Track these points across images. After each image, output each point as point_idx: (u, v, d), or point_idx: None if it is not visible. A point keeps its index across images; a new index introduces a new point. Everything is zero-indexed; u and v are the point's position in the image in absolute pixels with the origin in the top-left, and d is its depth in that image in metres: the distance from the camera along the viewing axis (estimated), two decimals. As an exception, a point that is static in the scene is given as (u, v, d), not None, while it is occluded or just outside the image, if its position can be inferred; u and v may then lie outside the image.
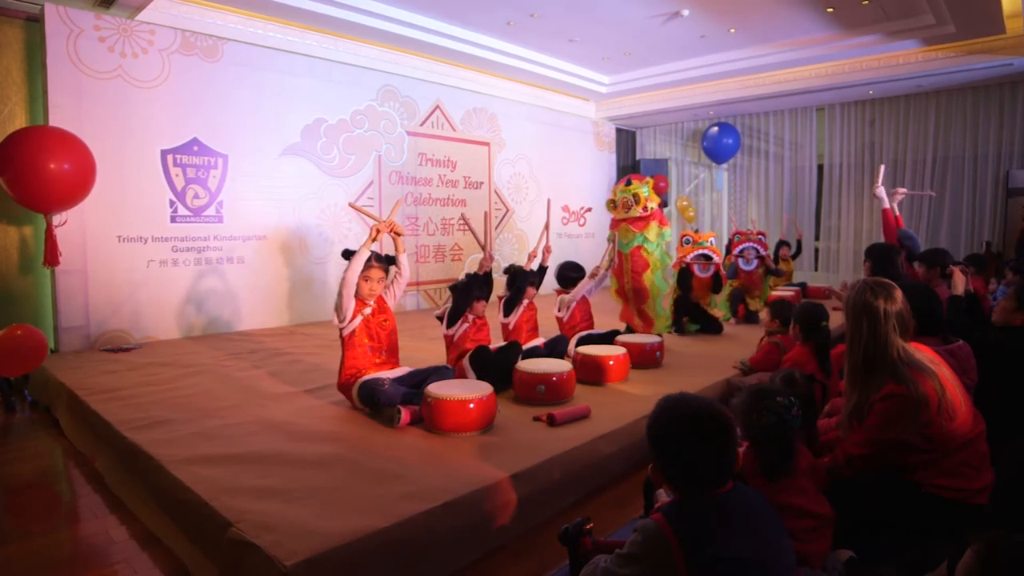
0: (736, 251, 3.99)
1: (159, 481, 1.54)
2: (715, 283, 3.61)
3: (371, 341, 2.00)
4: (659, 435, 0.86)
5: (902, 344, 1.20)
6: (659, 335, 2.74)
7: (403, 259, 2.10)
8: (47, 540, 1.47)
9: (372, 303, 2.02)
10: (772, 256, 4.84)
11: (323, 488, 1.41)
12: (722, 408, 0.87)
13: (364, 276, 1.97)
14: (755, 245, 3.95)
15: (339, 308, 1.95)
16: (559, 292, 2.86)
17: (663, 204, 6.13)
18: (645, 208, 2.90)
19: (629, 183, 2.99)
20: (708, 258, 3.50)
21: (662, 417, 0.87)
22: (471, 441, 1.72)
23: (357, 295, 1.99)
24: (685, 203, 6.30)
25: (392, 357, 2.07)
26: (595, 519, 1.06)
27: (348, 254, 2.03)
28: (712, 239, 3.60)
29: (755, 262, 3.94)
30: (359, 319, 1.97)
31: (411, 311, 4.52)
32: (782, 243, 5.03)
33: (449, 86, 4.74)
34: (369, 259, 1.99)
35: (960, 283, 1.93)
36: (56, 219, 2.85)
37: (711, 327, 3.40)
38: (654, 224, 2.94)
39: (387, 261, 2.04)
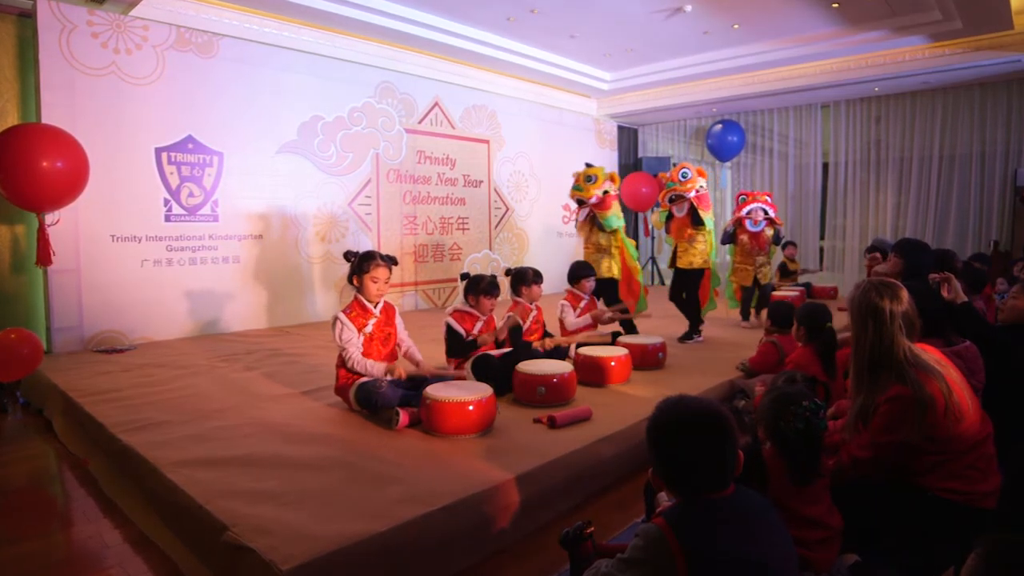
0: (743, 211, 3.59)
1: (153, 484, 1.53)
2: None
3: (371, 354, 1.96)
4: (659, 438, 0.85)
5: (908, 345, 1.18)
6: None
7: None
8: (40, 544, 1.45)
9: (377, 312, 1.97)
10: (779, 257, 4.72)
11: (320, 491, 1.39)
12: (723, 409, 0.86)
13: (371, 277, 1.93)
14: (763, 205, 3.55)
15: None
16: (569, 292, 2.81)
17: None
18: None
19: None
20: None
21: (661, 419, 0.86)
22: (471, 443, 1.70)
23: (365, 296, 1.96)
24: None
25: (391, 358, 2.04)
26: (596, 522, 1.06)
27: (349, 255, 1.99)
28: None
29: (763, 223, 3.54)
30: (361, 339, 1.95)
31: (410, 311, 4.50)
32: (789, 243, 4.99)
33: (448, 83, 4.70)
34: (375, 258, 1.95)
35: (958, 289, 1.75)
36: (49, 218, 2.82)
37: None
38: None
39: (390, 261, 2.01)
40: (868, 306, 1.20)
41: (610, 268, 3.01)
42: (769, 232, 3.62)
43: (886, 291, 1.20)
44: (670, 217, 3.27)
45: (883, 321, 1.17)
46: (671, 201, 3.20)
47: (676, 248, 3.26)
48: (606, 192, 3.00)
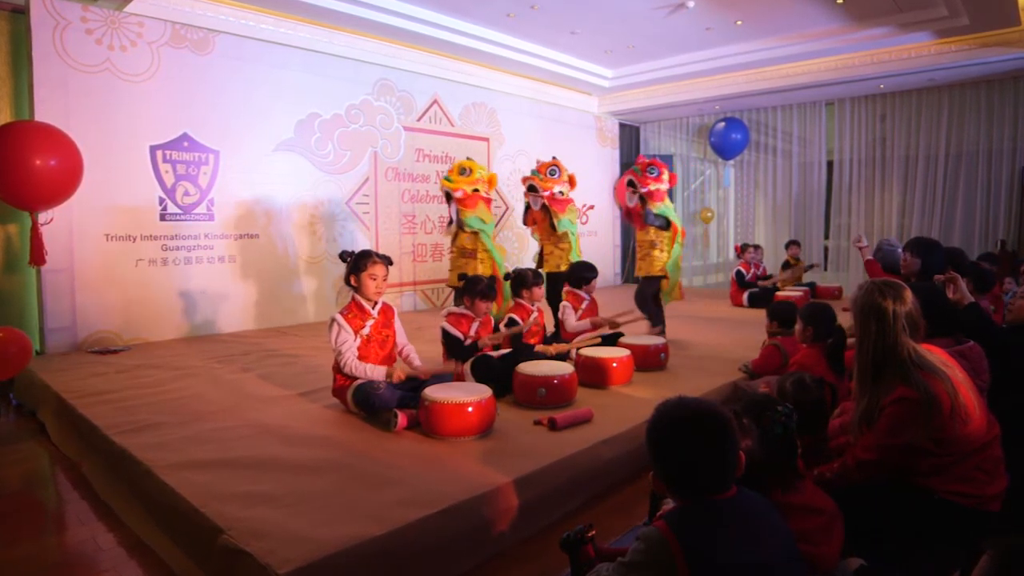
0: (626, 180, 3.10)
1: (148, 486, 1.51)
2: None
3: (368, 357, 1.92)
4: (658, 440, 0.85)
5: (913, 345, 1.17)
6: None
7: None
8: (33, 547, 1.43)
9: (375, 313, 1.94)
10: (784, 260, 4.60)
11: (317, 494, 1.38)
12: (722, 410, 0.85)
13: (370, 275, 1.90)
14: (631, 177, 2.99)
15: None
16: (568, 292, 2.77)
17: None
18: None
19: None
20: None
21: (661, 422, 0.85)
22: (470, 445, 1.68)
23: (364, 295, 1.93)
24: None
25: (388, 361, 2.01)
26: (597, 525, 1.04)
27: (345, 256, 1.96)
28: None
29: (635, 198, 2.98)
30: (358, 341, 1.91)
31: (408, 311, 4.47)
32: (792, 242, 4.95)
33: (447, 80, 4.66)
34: (371, 255, 1.92)
35: (963, 290, 1.69)
36: (42, 217, 2.78)
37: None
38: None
39: (386, 259, 1.98)
40: (871, 306, 1.19)
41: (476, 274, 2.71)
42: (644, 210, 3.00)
43: (889, 291, 1.19)
44: (528, 209, 3.11)
45: (886, 321, 1.16)
46: (529, 190, 3.04)
47: (542, 249, 3.11)
48: (475, 191, 2.83)
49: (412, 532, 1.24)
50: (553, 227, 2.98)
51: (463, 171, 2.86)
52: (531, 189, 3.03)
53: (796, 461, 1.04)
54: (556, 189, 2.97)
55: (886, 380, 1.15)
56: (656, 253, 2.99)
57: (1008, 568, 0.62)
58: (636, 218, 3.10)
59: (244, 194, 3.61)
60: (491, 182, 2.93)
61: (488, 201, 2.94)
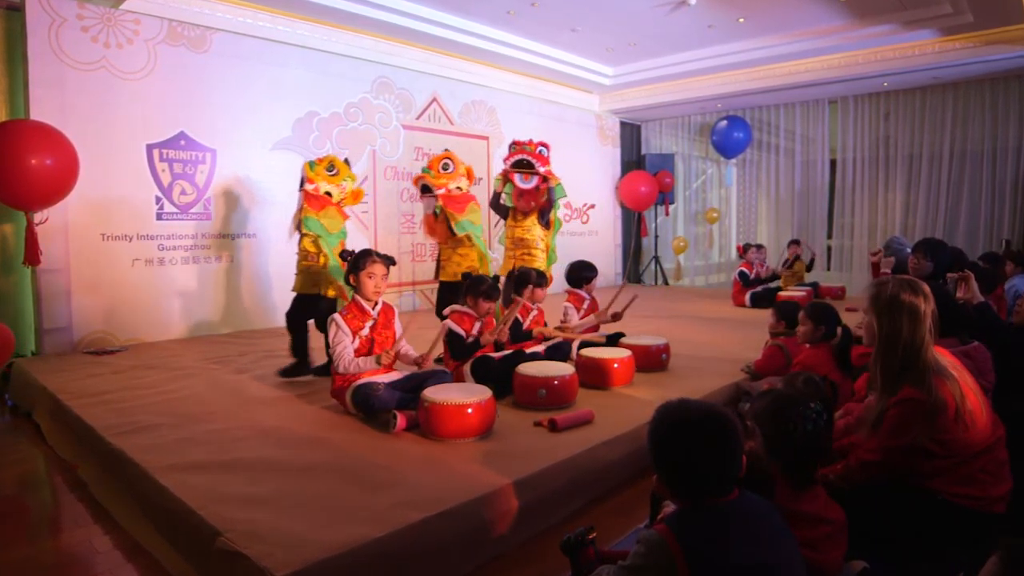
0: (509, 163, 2.68)
1: (145, 489, 1.49)
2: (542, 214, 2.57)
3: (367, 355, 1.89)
4: (660, 442, 0.84)
5: (933, 348, 1.15)
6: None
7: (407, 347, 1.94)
8: (28, 550, 1.41)
9: (375, 314, 1.91)
10: (786, 259, 4.52)
11: (315, 496, 1.37)
12: (724, 411, 0.84)
13: (367, 273, 1.88)
14: (530, 157, 2.64)
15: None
16: (569, 292, 2.73)
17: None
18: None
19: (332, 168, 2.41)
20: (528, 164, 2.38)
21: (662, 424, 0.85)
22: (469, 447, 1.66)
23: (363, 294, 1.91)
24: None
25: (389, 365, 1.97)
26: (598, 528, 1.03)
27: (346, 255, 1.94)
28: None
29: (535, 179, 2.63)
30: (357, 342, 1.88)
31: (408, 312, 4.47)
32: (793, 241, 4.93)
33: (447, 78, 4.64)
34: (371, 254, 1.90)
35: (975, 289, 1.70)
36: (37, 217, 2.76)
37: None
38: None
39: (388, 259, 1.94)
40: (901, 303, 1.15)
41: (316, 282, 2.35)
42: (544, 197, 2.70)
43: (919, 289, 1.17)
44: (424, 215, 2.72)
45: (918, 320, 1.13)
46: (423, 192, 2.64)
47: (440, 256, 2.72)
48: (328, 193, 2.39)
49: (411, 534, 1.23)
50: (451, 231, 2.59)
51: (330, 167, 2.43)
52: (425, 190, 2.64)
53: (815, 462, 1.02)
54: (452, 186, 2.59)
55: (902, 380, 1.13)
56: (537, 252, 2.74)
57: (1015, 570, 0.60)
58: (526, 201, 2.68)
59: (241, 193, 3.59)
60: (354, 194, 2.46)
61: (332, 204, 2.44)
